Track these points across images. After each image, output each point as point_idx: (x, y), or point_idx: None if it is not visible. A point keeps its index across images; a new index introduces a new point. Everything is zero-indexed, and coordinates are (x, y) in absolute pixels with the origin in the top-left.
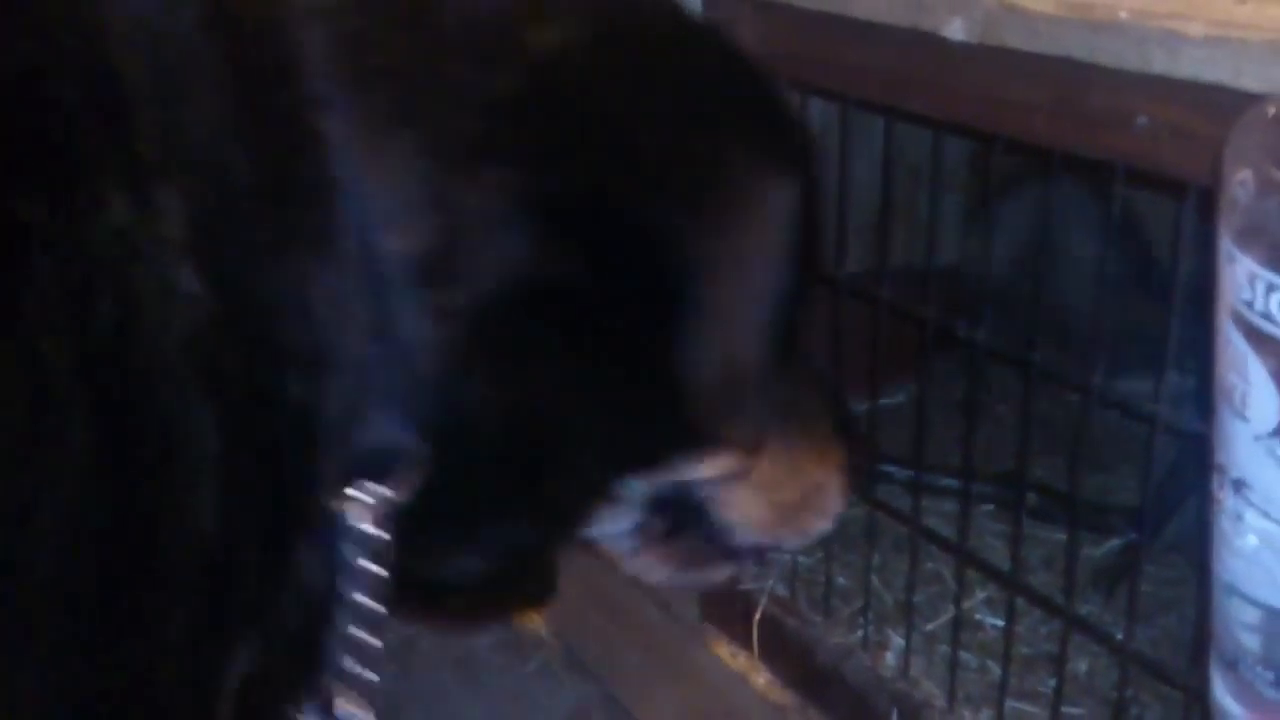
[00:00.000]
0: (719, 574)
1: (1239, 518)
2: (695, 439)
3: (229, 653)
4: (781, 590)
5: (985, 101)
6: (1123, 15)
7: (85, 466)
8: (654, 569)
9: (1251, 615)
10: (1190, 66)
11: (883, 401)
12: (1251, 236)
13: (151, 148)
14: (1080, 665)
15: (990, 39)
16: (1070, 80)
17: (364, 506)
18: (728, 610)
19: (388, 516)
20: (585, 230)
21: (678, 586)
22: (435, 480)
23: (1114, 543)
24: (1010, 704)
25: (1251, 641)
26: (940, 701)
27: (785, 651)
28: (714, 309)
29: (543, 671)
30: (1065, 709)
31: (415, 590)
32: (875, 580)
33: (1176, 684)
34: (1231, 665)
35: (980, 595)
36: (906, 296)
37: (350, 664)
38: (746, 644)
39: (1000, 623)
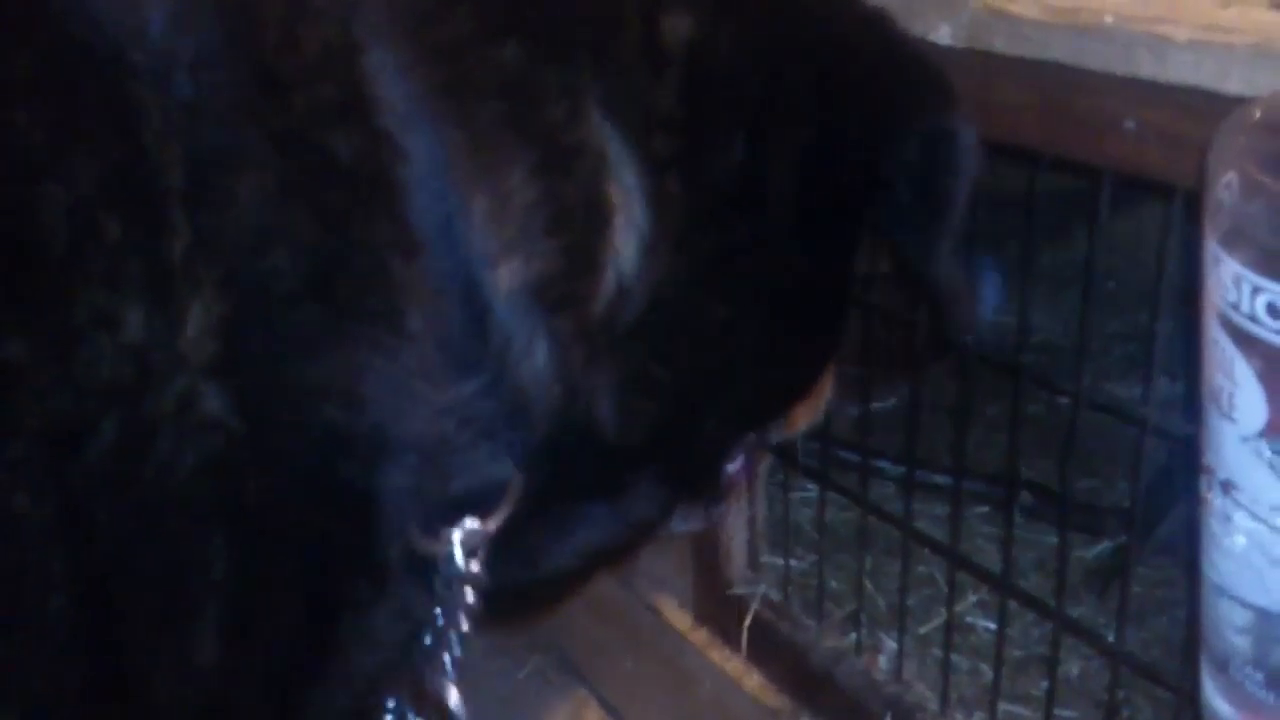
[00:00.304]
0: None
1: (1227, 519)
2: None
3: None
4: (774, 594)
5: (974, 105)
6: (1108, 20)
7: (61, 636)
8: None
9: (1241, 616)
10: (1176, 70)
11: (875, 405)
12: (1236, 239)
13: (182, 250)
14: (1073, 668)
15: (978, 43)
16: (1058, 84)
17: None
18: (720, 614)
19: (479, 545)
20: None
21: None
22: (531, 500)
23: (1106, 545)
24: (1003, 706)
25: (1241, 642)
26: (933, 704)
27: (778, 655)
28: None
29: (536, 676)
30: (1058, 711)
31: (506, 597)
32: (868, 584)
33: (1168, 685)
34: (1222, 666)
35: (973, 598)
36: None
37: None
38: (739, 648)
39: (993, 625)
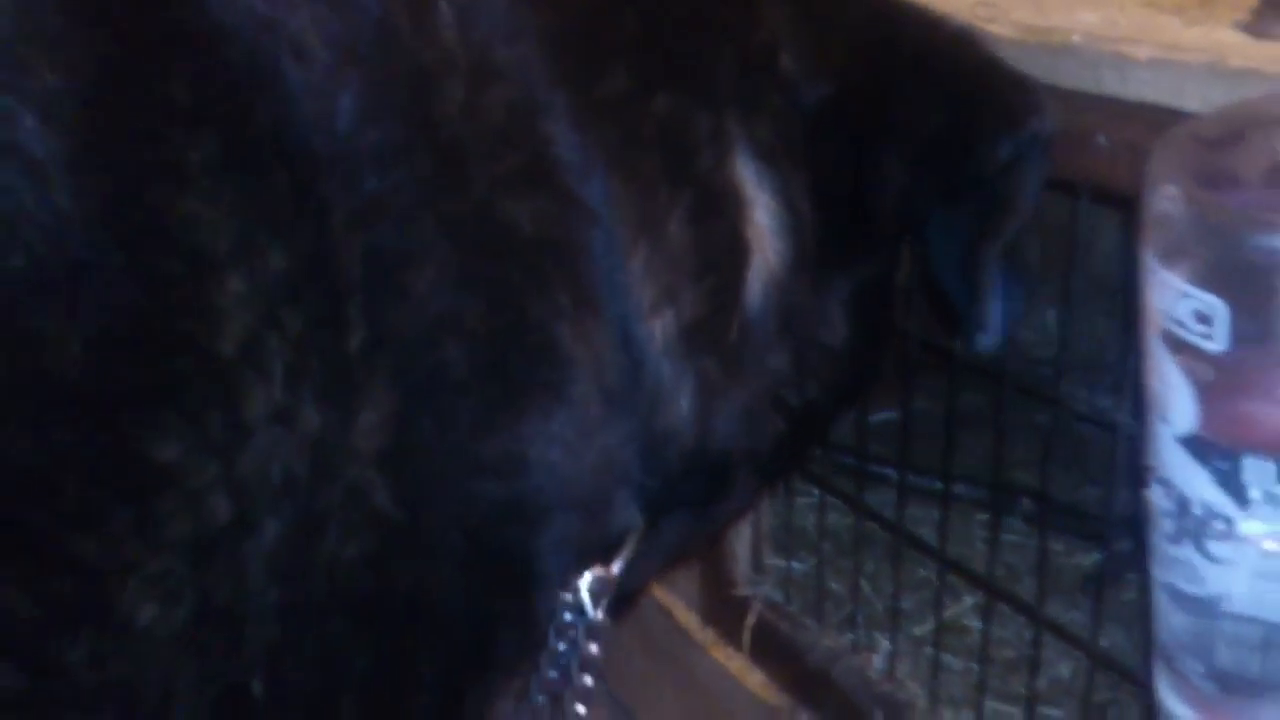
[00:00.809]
0: None
1: (1166, 516)
2: None
3: None
4: (776, 596)
5: None
6: (1076, 39)
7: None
8: None
9: (1181, 610)
10: (1137, 87)
11: (873, 418)
12: (1169, 248)
13: (358, 345)
14: (1064, 669)
15: None
16: None
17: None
18: (725, 615)
19: (605, 592)
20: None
21: None
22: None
23: (1102, 551)
24: (991, 705)
25: (1184, 636)
26: (923, 702)
27: (778, 654)
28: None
29: None
30: (1045, 710)
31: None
32: (865, 586)
33: (1143, 685)
34: (1169, 661)
35: (968, 601)
36: None
37: None
38: (742, 647)
39: (994, 626)
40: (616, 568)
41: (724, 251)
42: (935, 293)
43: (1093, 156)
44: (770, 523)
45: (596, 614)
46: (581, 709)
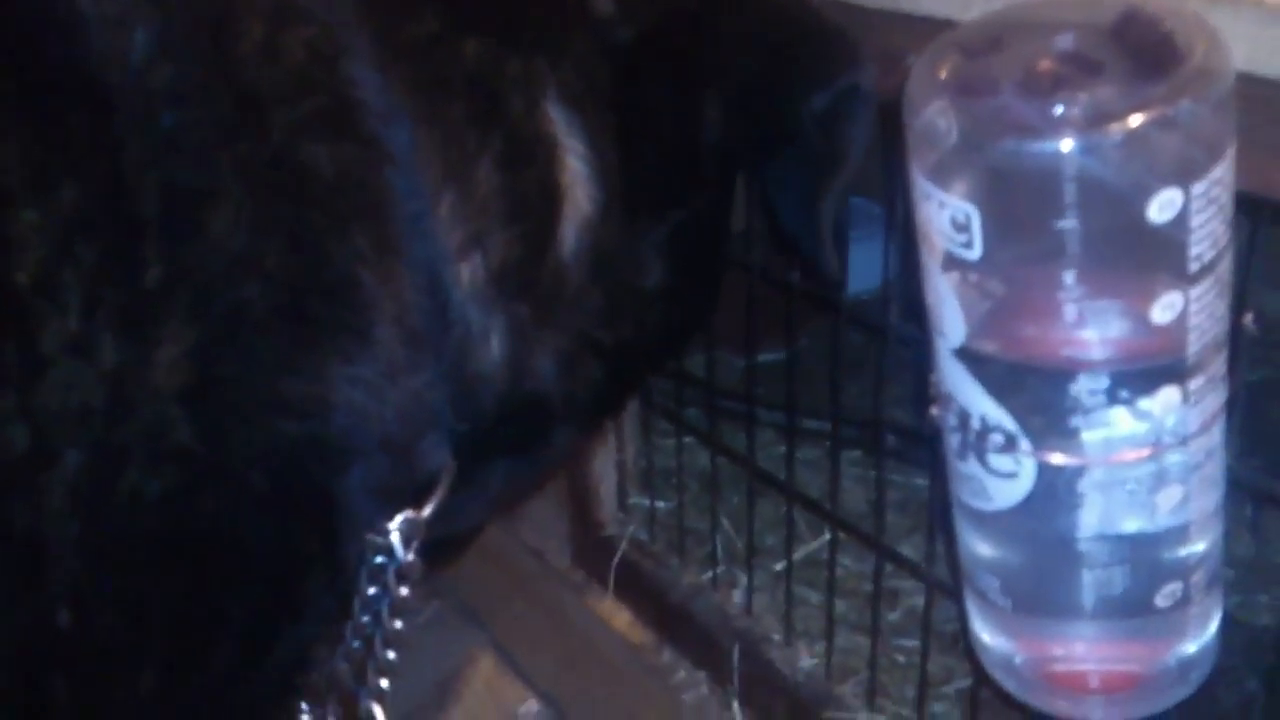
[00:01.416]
0: None
1: (950, 431)
2: None
3: None
4: (641, 535)
5: None
6: None
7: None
8: None
9: (973, 525)
10: (930, 4)
11: (761, 358)
12: (929, 157)
13: (155, 281)
14: (918, 600)
15: None
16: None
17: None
18: (594, 556)
19: (415, 534)
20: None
21: None
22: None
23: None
24: (846, 637)
25: (979, 552)
26: (778, 635)
27: (643, 593)
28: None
29: (437, 622)
30: (900, 641)
31: (429, 552)
32: (726, 524)
33: None
34: (970, 580)
35: (826, 537)
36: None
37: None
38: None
39: (848, 562)
40: (428, 510)
41: (535, 197)
42: (782, 239)
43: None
44: (634, 464)
45: (407, 556)
46: (392, 654)
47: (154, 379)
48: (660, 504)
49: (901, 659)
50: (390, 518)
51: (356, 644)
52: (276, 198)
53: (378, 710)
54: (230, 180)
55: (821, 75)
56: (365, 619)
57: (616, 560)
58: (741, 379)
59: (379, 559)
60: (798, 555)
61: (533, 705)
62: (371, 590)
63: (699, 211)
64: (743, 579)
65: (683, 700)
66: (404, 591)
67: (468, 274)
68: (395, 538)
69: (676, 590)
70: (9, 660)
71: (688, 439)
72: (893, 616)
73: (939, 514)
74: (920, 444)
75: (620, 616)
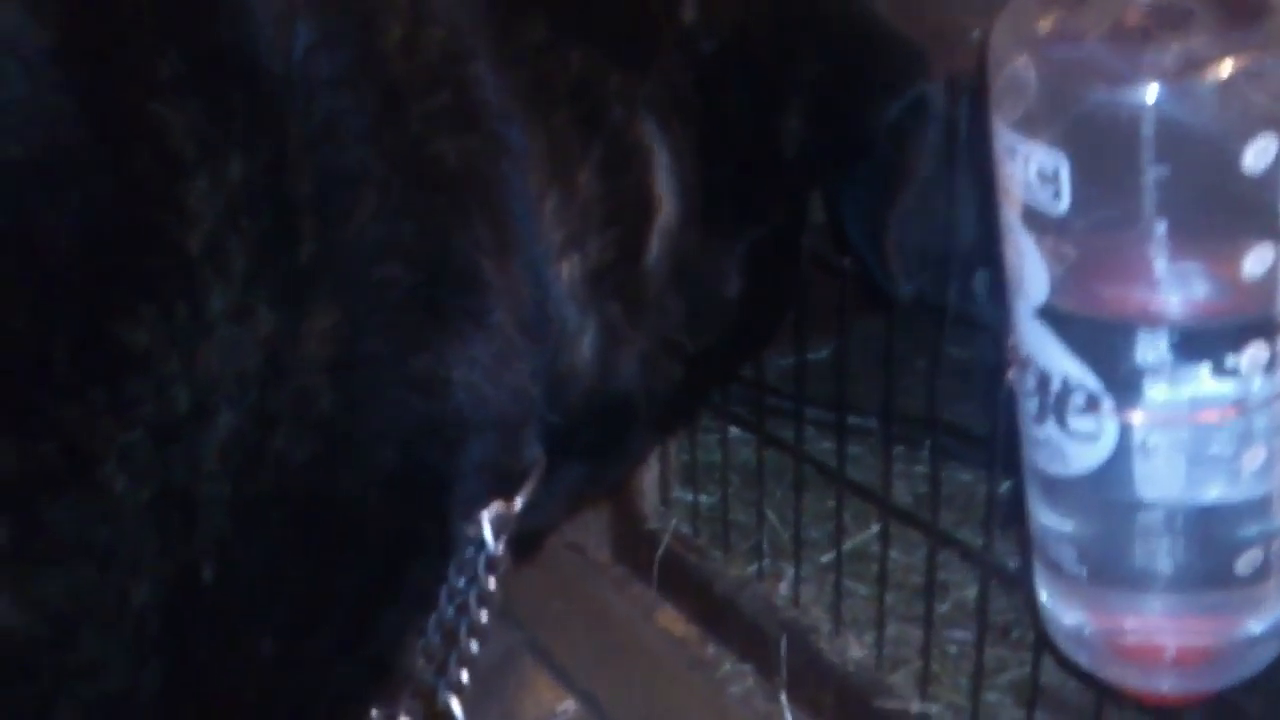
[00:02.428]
0: None
1: (1030, 396)
2: None
3: None
4: (684, 529)
5: None
6: None
7: (143, 629)
8: None
9: (1049, 493)
10: None
11: (810, 356)
12: (1014, 111)
13: (308, 257)
14: (969, 593)
15: None
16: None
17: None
18: (635, 551)
19: (505, 528)
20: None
21: None
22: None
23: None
24: (895, 627)
25: (1054, 521)
26: (827, 626)
27: (686, 587)
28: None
29: None
30: (949, 632)
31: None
32: (771, 516)
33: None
34: (1042, 552)
35: (874, 530)
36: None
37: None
38: (652, 582)
39: (896, 555)
40: (518, 503)
41: (630, 204)
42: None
43: (969, 54)
44: (677, 458)
45: (497, 548)
46: (475, 647)
47: (303, 350)
48: (704, 498)
49: (953, 649)
50: (485, 507)
51: (438, 639)
52: (412, 185)
53: (455, 704)
54: (377, 166)
55: (893, 86)
56: (450, 611)
57: (660, 554)
58: (787, 376)
59: (469, 551)
60: (846, 547)
61: (570, 705)
62: (460, 582)
63: (778, 227)
64: (788, 571)
65: (728, 693)
66: (492, 584)
67: (567, 273)
68: (486, 529)
69: (721, 583)
70: (156, 607)
71: (732, 433)
72: (943, 609)
73: (999, 500)
74: (970, 440)
75: (663, 611)
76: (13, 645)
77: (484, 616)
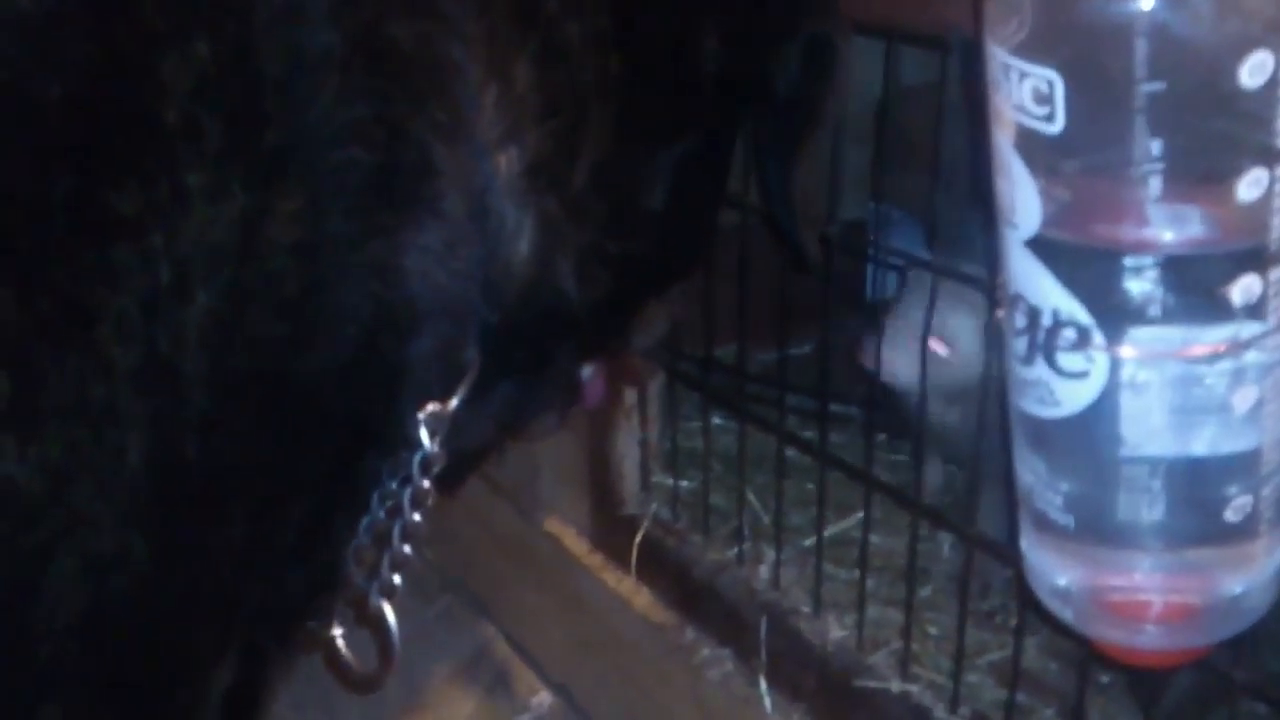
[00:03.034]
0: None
1: (1019, 335)
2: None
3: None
4: (664, 514)
5: None
6: None
7: (133, 487)
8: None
9: (1037, 437)
10: None
11: (791, 351)
12: (1008, 30)
13: (276, 138)
14: (950, 575)
15: None
16: None
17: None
18: (614, 537)
19: (440, 428)
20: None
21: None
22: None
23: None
24: (876, 609)
25: (1039, 465)
26: (807, 608)
27: (665, 572)
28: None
29: (444, 615)
30: (931, 614)
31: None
32: (752, 499)
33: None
34: (1028, 501)
35: (856, 517)
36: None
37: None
38: (630, 569)
39: (877, 540)
40: (453, 404)
41: (565, 98)
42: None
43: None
44: (658, 444)
45: (432, 446)
46: (408, 549)
47: (271, 231)
48: (684, 483)
49: (934, 630)
50: (422, 408)
51: (368, 540)
52: (371, 69)
53: (387, 608)
54: (338, 49)
55: (788, 28)
56: (381, 515)
57: (639, 539)
58: (770, 370)
59: (403, 452)
60: (828, 531)
61: (546, 697)
62: (393, 484)
63: (700, 144)
64: (769, 555)
65: (706, 678)
66: (426, 484)
67: (505, 166)
68: (422, 429)
69: (701, 567)
70: (145, 474)
71: (714, 422)
72: (924, 593)
73: (981, 469)
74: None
75: (641, 597)
76: (15, 495)
77: (417, 517)
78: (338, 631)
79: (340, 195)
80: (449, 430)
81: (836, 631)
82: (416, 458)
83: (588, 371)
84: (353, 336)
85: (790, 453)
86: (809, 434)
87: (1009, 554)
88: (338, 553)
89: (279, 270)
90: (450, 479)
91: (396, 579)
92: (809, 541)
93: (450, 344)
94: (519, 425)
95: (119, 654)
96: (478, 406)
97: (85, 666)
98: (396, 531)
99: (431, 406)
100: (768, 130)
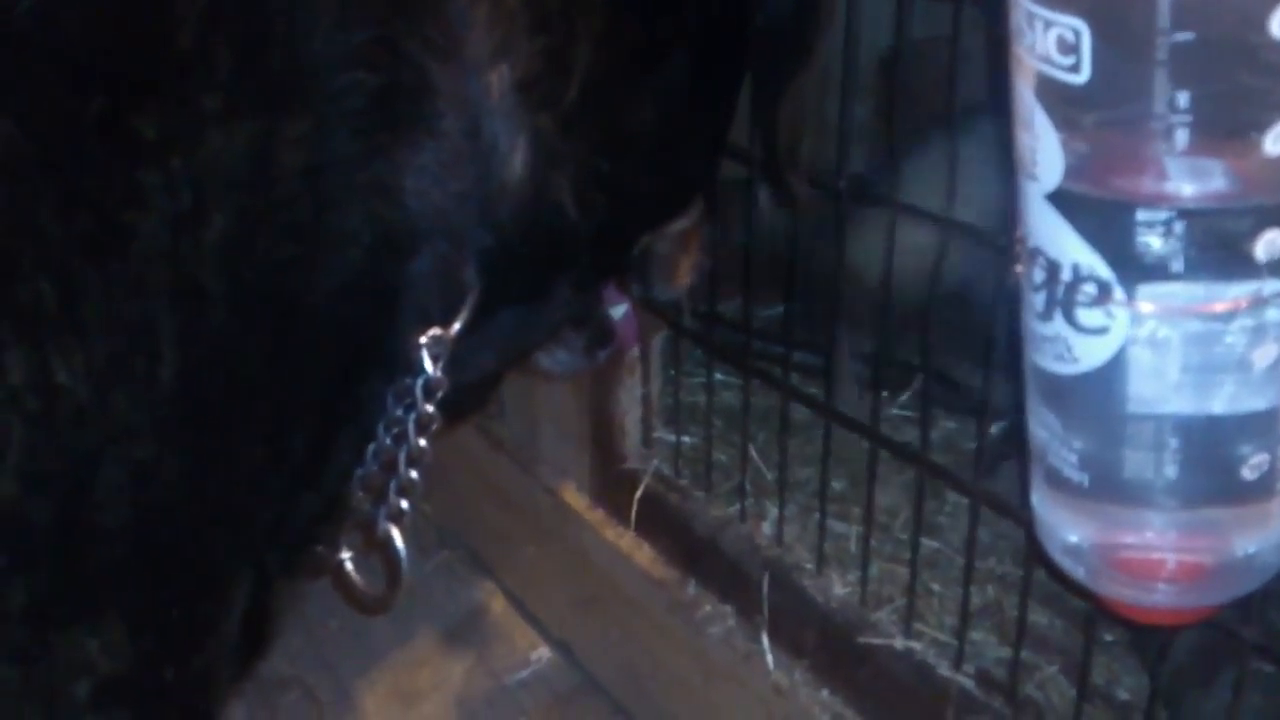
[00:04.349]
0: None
1: (1037, 288)
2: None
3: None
4: (665, 469)
5: None
6: None
7: (167, 408)
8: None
9: (1053, 394)
10: None
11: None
12: None
13: (279, 64)
14: (956, 535)
15: None
16: None
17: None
18: (615, 492)
19: (442, 352)
20: None
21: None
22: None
23: (1000, 426)
24: (881, 568)
25: (1054, 421)
26: (809, 564)
27: (667, 527)
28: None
29: (444, 570)
30: (936, 571)
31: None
32: (755, 456)
33: (1019, 520)
34: (1041, 459)
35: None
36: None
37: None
38: (631, 524)
39: (881, 498)
40: (454, 329)
41: (554, 14)
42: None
43: None
44: (660, 400)
45: (436, 372)
46: (415, 474)
47: (281, 155)
48: (686, 439)
49: (938, 587)
50: (423, 332)
51: (375, 468)
52: None
53: (395, 533)
54: None
55: None
56: (387, 440)
57: (639, 494)
58: (773, 325)
59: (405, 379)
60: (831, 488)
61: (545, 652)
62: (398, 411)
63: (686, 71)
64: (771, 511)
65: (708, 635)
66: (430, 409)
67: (496, 83)
68: (425, 354)
69: (702, 523)
70: (178, 388)
71: (716, 378)
72: (928, 551)
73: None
74: (956, 388)
75: (642, 553)
76: (64, 402)
77: (423, 442)
78: (346, 555)
79: (345, 117)
80: (450, 356)
81: (839, 588)
82: (419, 382)
83: (620, 311)
84: (356, 257)
85: (794, 408)
86: (813, 390)
87: (1016, 513)
88: (343, 476)
89: (289, 192)
90: (454, 411)
91: (404, 504)
92: (809, 497)
93: (449, 265)
94: (520, 355)
95: (159, 562)
96: (479, 335)
97: (134, 572)
98: (402, 457)
99: (433, 331)
100: (760, 66)
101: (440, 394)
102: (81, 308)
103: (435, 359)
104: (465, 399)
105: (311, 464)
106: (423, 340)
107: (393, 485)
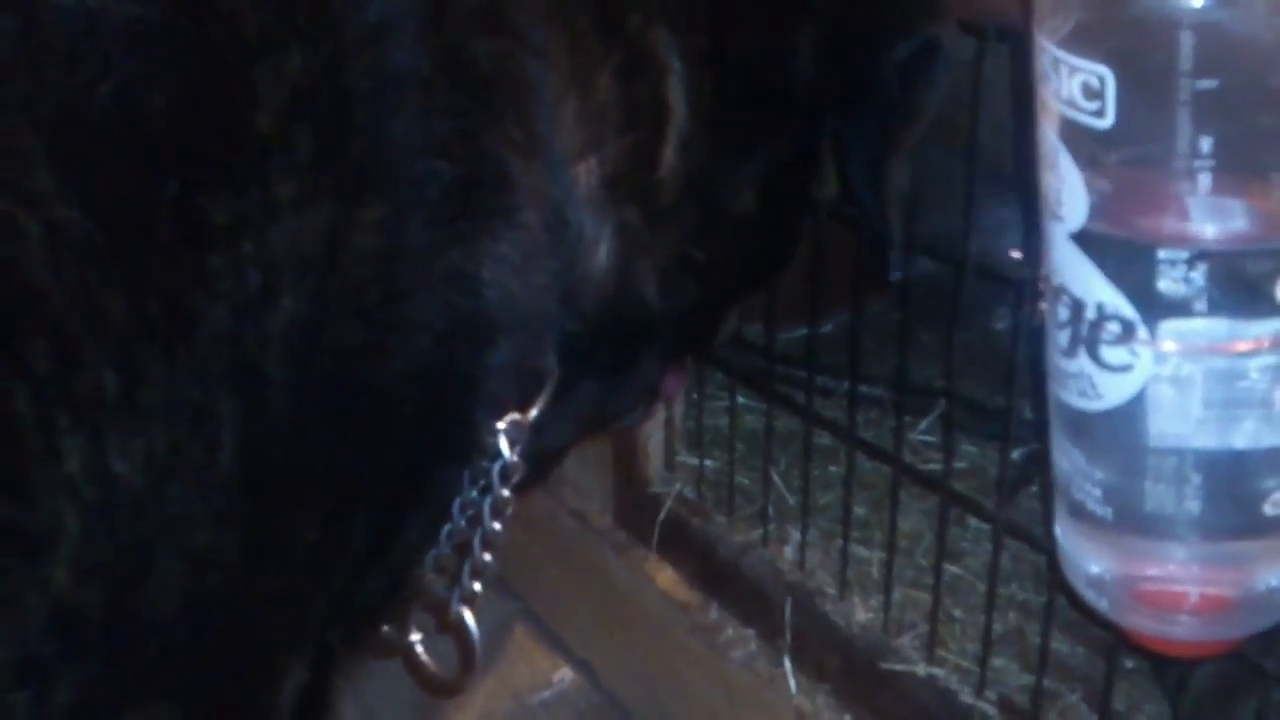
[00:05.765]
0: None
1: (1061, 328)
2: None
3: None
4: (689, 492)
5: None
6: None
7: (227, 487)
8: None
9: (1076, 430)
10: None
11: (822, 329)
12: (1058, 23)
13: (361, 150)
14: (979, 560)
15: None
16: None
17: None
18: (638, 515)
19: (520, 439)
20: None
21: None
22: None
23: (1021, 450)
24: (904, 594)
25: (1078, 456)
26: (832, 589)
27: (689, 550)
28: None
29: None
30: (958, 598)
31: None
32: (777, 480)
33: (1042, 549)
34: (1065, 492)
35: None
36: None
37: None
38: (654, 546)
39: (904, 524)
40: (533, 414)
41: (646, 110)
42: (852, 199)
43: None
44: (683, 424)
45: (512, 456)
46: (489, 557)
47: (355, 240)
48: (709, 463)
49: (960, 614)
50: (500, 419)
51: (449, 550)
52: (452, 86)
53: (468, 615)
54: (422, 66)
55: (905, 24)
56: (462, 522)
57: (662, 517)
58: (797, 347)
59: (483, 462)
60: (853, 514)
61: (567, 673)
62: (473, 493)
63: (789, 152)
64: (794, 536)
65: (730, 658)
66: (506, 493)
67: (584, 177)
68: (502, 439)
69: (725, 546)
70: (237, 473)
71: (739, 401)
72: (952, 572)
73: (1010, 465)
74: (979, 412)
75: (664, 575)
76: (120, 491)
77: (498, 526)
78: (416, 637)
79: (421, 205)
80: (529, 438)
81: (862, 614)
82: (496, 467)
83: None
84: (429, 346)
85: (816, 433)
86: (836, 414)
87: (1039, 540)
88: (411, 558)
89: (361, 278)
90: (530, 480)
91: (477, 587)
92: (831, 523)
93: (527, 354)
94: (601, 424)
95: (212, 648)
96: (560, 408)
97: (186, 659)
98: (477, 540)
99: (511, 416)
100: (859, 128)
101: (516, 478)
102: (142, 395)
103: (513, 444)
104: (541, 469)
105: (377, 546)
106: (500, 426)
107: (466, 567)
